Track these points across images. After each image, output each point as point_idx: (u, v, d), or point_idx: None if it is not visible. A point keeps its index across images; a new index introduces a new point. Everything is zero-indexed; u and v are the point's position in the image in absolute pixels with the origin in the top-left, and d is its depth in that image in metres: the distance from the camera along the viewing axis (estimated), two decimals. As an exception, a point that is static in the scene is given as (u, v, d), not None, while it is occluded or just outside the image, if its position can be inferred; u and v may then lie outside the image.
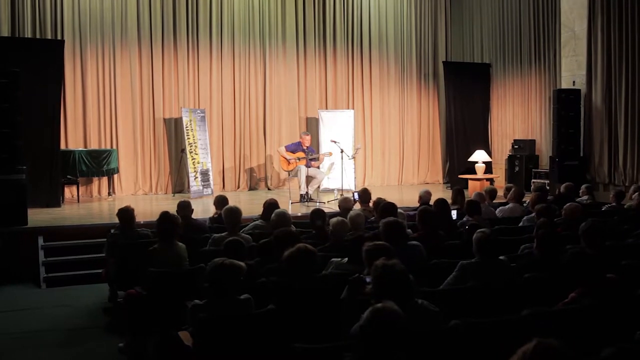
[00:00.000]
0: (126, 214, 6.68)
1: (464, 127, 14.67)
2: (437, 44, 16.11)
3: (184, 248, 5.47)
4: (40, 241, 8.48)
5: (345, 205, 7.66)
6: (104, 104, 12.96)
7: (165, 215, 5.51)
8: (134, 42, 13.11)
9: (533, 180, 12.96)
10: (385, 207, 6.19)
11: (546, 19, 13.30)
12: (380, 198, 7.66)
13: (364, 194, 8.40)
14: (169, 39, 13.41)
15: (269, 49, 14.36)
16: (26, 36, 11.89)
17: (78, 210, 10.82)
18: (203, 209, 10.27)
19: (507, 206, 8.47)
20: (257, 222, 7.04)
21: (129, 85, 13.14)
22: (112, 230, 6.93)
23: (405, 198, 12.22)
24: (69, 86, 12.47)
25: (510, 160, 13.76)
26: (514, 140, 13.92)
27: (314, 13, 14.81)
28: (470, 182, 12.72)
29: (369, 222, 7.14)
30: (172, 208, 11.19)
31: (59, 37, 12.18)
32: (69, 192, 12.28)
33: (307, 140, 11.96)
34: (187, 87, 13.62)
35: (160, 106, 13.39)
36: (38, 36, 12.09)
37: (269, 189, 14.28)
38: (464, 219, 7.69)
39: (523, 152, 13.51)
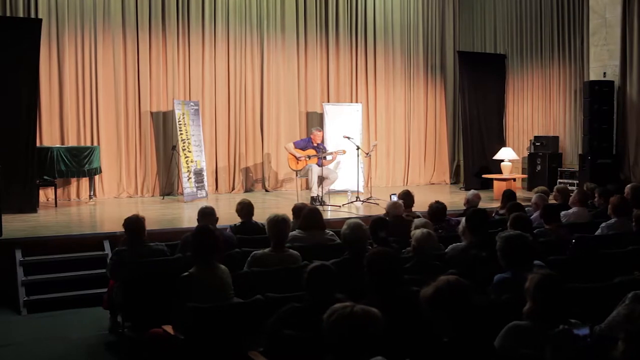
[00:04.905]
0: (135, 224, 5.34)
1: (479, 123, 13.54)
2: (444, 33, 14.95)
3: (227, 272, 4.15)
4: (18, 255, 7.01)
5: (394, 211, 6.45)
6: (84, 96, 11.46)
7: (204, 229, 4.17)
8: (117, 26, 11.61)
9: (559, 180, 11.88)
10: (476, 216, 4.91)
11: (571, 4, 12.23)
12: (439, 202, 6.44)
13: (407, 198, 7.17)
14: (157, 23, 11.95)
15: (267, 37, 12.99)
16: (-5, 15, 10.38)
17: (57, 217, 9.35)
18: (196, 215, 8.82)
19: (570, 210, 7.30)
20: (294, 232, 5.73)
21: (112, 75, 11.64)
22: (117, 247, 5.52)
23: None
24: (44, 75, 10.90)
25: (531, 158, 12.65)
26: (535, 136, 12.81)
27: (316, -1, 13.52)
28: (495, 182, 11.57)
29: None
30: (163, 212, 10.00)
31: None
32: (44, 194, 10.84)
33: (318, 137, 10.71)
34: (177, 78, 12.17)
35: (147, 98, 11.94)
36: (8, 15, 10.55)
37: (266, 191, 12.94)
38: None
39: (546, 149, 12.41)
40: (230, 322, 3.68)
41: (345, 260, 4.25)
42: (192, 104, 11.64)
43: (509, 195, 7.79)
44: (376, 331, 2.33)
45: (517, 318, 3.18)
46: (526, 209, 7.08)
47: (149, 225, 7.41)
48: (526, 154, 13.00)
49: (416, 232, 4.51)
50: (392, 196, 7.81)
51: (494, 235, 5.09)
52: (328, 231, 5.86)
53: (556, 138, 12.48)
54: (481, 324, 2.83)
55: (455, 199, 10.84)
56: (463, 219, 5.31)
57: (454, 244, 5.38)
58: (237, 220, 6.65)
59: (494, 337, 3.04)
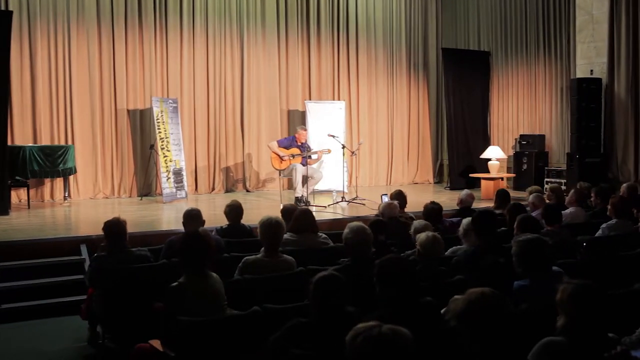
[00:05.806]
0: (116, 228, 4.97)
1: (463, 122, 13.33)
2: (427, 30, 14.72)
3: (219, 281, 3.82)
4: (-11, 261, 6.61)
5: (390, 212, 6.16)
6: (57, 92, 11.02)
7: (194, 235, 3.83)
8: (92, 20, 11.18)
9: (546, 179, 11.71)
10: (484, 218, 4.64)
11: (557, 1, 12.07)
12: (434, 202, 6.17)
13: (400, 198, 6.89)
14: (134, 18, 11.53)
15: (247, 33, 12.63)
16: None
17: (30, 219, 8.92)
18: (177, 217, 8.42)
19: (567, 211, 7.09)
20: (285, 235, 5.39)
21: (87, 71, 11.20)
22: (96, 252, 5.16)
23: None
24: (14, 70, 10.44)
25: (517, 157, 12.48)
26: (521, 135, 12.64)
27: (297, -6, 13.18)
28: (483, 181, 11.36)
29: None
30: (142, 214, 9.58)
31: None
32: (16, 196, 10.42)
33: (303, 136, 10.42)
34: (155, 75, 11.75)
35: (124, 96, 11.51)
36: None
37: (247, 191, 12.58)
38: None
39: (532, 148, 12.25)
40: (226, 337, 3.35)
41: (346, 266, 3.95)
42: (170, 101, 11.25)
43: (503, 195, 7.56)
44: (407, 354, 2.03)
45: (539, 329, 2.92)
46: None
47: (128, 228, 7.04)
48: (511, 152, 12.82)
49: (421, 236, 4.22)
50: (383, 197, 7.54)
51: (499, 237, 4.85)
52: (321, 234, 5.57)
53: (542, 136, 12.33)
54: (512, 339, 2.55)
55: (442, 199, 10.54)
56: (464, 220, 5.04)
57: (454, 247, 5.12)
58: (219, 222, 6.35)
59: (520, 351, 2.77)
